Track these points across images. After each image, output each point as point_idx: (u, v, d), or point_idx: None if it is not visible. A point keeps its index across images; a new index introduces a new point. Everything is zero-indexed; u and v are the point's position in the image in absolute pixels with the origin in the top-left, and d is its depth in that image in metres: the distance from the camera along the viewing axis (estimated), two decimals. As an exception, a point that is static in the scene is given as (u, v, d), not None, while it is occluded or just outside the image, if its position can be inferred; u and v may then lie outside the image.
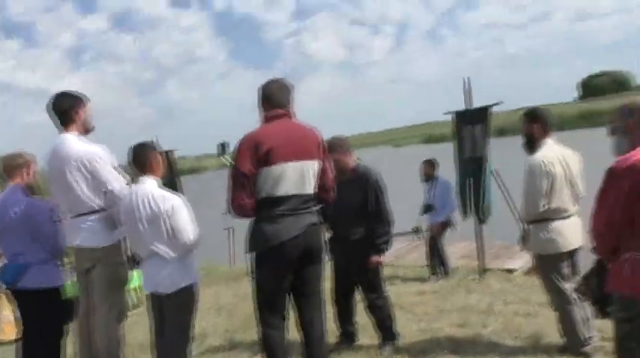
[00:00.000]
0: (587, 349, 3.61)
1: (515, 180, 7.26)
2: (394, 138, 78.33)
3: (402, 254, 8.69)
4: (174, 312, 3.04)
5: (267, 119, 3.13)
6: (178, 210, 3.01)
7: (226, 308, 5.95)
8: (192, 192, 10.75)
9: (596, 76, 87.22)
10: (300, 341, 3.32)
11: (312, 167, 3.09)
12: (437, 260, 6.78)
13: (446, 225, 6.86)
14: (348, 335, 4.17)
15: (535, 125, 3.72)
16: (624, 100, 2.59)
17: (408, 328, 4.54)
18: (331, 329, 3.98)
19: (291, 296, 3.23)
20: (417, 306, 5.35)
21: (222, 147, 7.94)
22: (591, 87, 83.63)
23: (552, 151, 3.64)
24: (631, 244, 2.34)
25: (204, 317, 5.10)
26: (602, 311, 4.45)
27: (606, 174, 2.38)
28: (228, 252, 9.26)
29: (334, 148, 3.72)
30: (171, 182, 7.17)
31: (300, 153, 3.03)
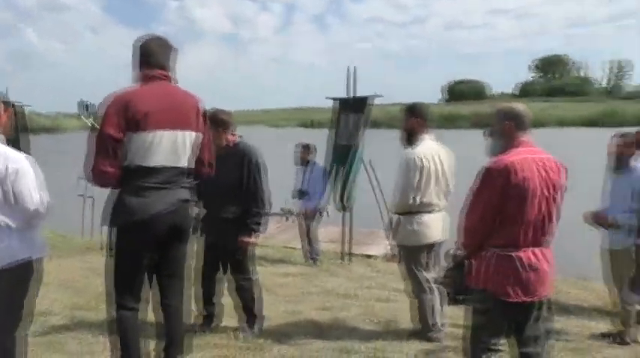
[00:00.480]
0: (438, 334, 3.87)
1: (385, 171, 7.69)
2: (273, 118, 78.31)
3: (270, 235, 8.67)
4: (5, 288, 2.58)
5: (144, 79, 2.78)
6: (24, 174, 2.49)
7: (73, 284, 5.42)
8: (46, 153, 9.65)
9: (459, 82, 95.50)
10: (157, 322, 3.09)
11: (190, 138, 2.81)
12: (311, 245, 6.85)
13: (320, 211, 6.92)
14: (209, 316, 4.01)
15: (414, 120, 3.85)
16: (498, 105, 2.76)
17: (273, 310, 4.51)
18: (193, 309, 3.80)
19: (153, 275, 2.97)
20: (282, 288, 5.36)
21: (85, 106, 7.18)
22: (454, 92, 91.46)
23: (428, 147, 3.80)
24: (495, 241, 2.51)
25: (48, 293, 4.57)
26: (455, 300, 4.85)
27: (482, 174, 2.51)
28: (81, 222, 8.47)
29: (216, 121, 3.49)
30: (16, 139, 6.31)
31: (178, 121, 2.75)
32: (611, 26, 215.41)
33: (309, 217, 6.88)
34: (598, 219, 4.03)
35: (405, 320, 4.23)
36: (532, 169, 2.46)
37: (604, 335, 4.06)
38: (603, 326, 4.28)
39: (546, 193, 2.49)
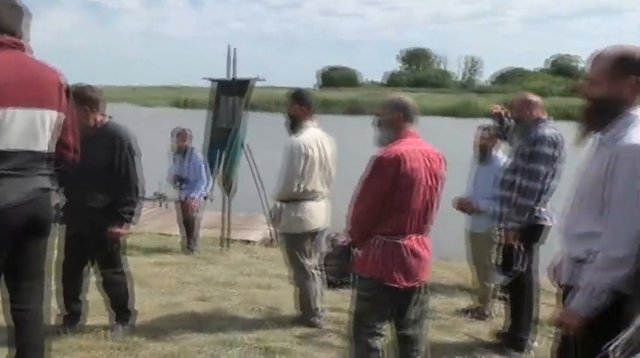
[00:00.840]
0: (317, 319, 3.91)
1: (262, 155, 7.60)
2: (141, 97, 73.81)
3: (142, 221, 8.13)
4: None
5: (-9, 46, 2.34)
6: None
7: None
8: None
9: (333, 69, 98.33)
10: (8, 325, 2.68)
11: (50, 118, 2.42)
12: (190, 235, 6.49)
13: (205, 197, 6.58)
14: (73, 315, 3.61)
15: (298, 107, 3.80)
16: (388, 96, 2.80)
17: (146, 304, 4.22)
18: (53, 308, 3.41)
19: (3, 276, 2.55)
20: (156, 279, 5.05)
21: None
22: (328, 78, 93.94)
23: (312, 134, 3.78)
24: (382, 229, 2.56)
25: None
26: (335, 284, 4.94)
27: (372, 163, 2.53)
28: None
29: (82, 98, 3.11)
30: None
31: (35, 98, 2.34)
32: (468, 24, 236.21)
33: (189, 206, 6.47)
34: (463, 205, 4.35)
35: (287, 306, 4.22)
36: (419, 160, 2.55)
37: (465, 311, 4.43)
38: (465, 302, 4.66)
39: (430, 183, 2.60)
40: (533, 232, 3.48)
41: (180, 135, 6.51)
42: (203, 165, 6.44)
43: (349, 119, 38.50)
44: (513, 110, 3.55)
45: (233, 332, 3.72)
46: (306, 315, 3.92)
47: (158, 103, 62.20)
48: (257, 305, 4.36)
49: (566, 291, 2.04)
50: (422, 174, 2.54)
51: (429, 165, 2.58)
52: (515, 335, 3.59)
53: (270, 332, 3.73)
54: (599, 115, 1.91)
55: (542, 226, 3.50)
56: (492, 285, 4.27)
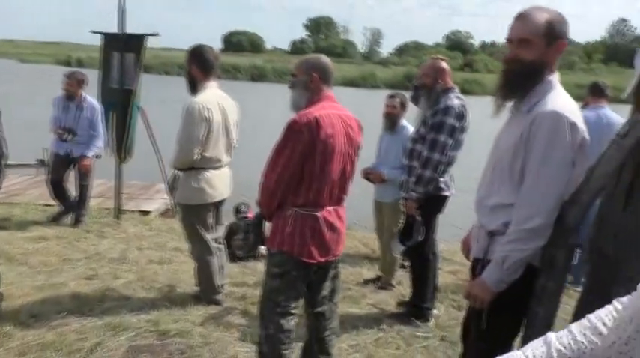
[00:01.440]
0: (219, 297, 3.68)
1: (161, 121, 7.03)
2: (21, 52, 66.66)
3: (19, 190, 7.27)
4: None
5: None
6: None
7: None
8: None
9: (237, 33, 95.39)
10: None
11: None
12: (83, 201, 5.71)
13: (96, 156, 5.70)
14: None
15: (196, 65, 3.43)
16: (304, 56, 2.57)
17: (20, 285, 3.72)
18: None
19: None
20: (35, 256, 4.48)
21: None
22: (232, 43, 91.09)
23: (213, 96, 3.44)
24: (297, 201, 2.35)
25: None
26: (238, 258, 4.70)
27: (286, 128, 2.29)
28: None
29: None
30: None
31: None
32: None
33: (82, 168, 5.59)
34: (370, 175, 4.28)
35: (186, 283, 3.93)
36: (337, 125, 2.36)
37: (371, 281, 4.42)
38: (370, 272, 4.66)
39: (348, 151, 2.43)
40: (434, 202, 3.48)
41: (72, 78, 5.54)
42: (100, 116, 5.61)
43: (253, 85, 37.73)
44: (424, 76, 3.46)
45: (123, 314, 3.37)
46: (207, 293, 3.66)
47: (41, 60, 56.68)
48: (152, 282, 4.01)
49: (478, 264, 1.99)
50: (340, 140, 2.36)
51: (347, 131, 2.41)
52: (418, 304, 3.61)
53: (167, 313, 3.44)
54: (525, 81, 1.82)
55: (442, 196, 3.50)
56: (398, 255, 4.28)
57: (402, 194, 3.63)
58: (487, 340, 1.95)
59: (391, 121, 4.22)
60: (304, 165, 2.29)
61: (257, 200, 2.46)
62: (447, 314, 3.76)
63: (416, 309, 3.61)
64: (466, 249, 2.29)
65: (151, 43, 5.83)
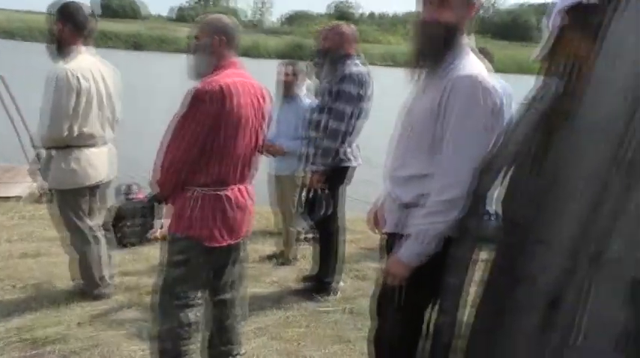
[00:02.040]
0: (105, 290, 3.29)
1: (24, 92, 6.18)
2: None
3: None
4: None
5: None
6: None
7: None
8: None
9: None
10: None
11: None
12: None
13: None
14: None
15: (64, 27, 2.93)
16: (206, 17, 2.26)
17: None
18: None
19: None
20: None
21: None
22: (108, 8, 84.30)
23: (86, 62, 2.97)
24: (201, 180, 2.08)
25: None
26: (126, 244, 4.27)
27: (190, 97, 2.00)
28: None
29: None
30: None
31: None
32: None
33: None
34: (266, 147, 4.06)
35: (64, 278, 3.47)
36: (247, 95, 2.11)
37: (271, 257, 4.26)
38: (269, 248, 4.49)
39: (257, 123, 2.20)
40: (338, 174, 3.37)
41: None
42: None
43: (132, 54, 35.24)
44: (325, 39, 3.28)
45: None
46: (89, 287, 3.25)
47: None
48: (21, 280, 3.48)
49: (392, 239, 1.89)
50: (249, 112, 2.12)
51: (256, 102, 2.17)
52: (323, 278, 3.52)
53: (43, 316, 2.99)
54: (444, 44, 1.70)
55: (347, 168, 3.39)
56: (297, 229, 4.15)
57: (302, 166, 3.47)
58: (403, 313, 1.87)
59: (286, 89, 4.01)
60: (210, 140, 2.03)
61: (154, 180, 2.15)
62: (352, 286, 3.72)
63: (321, 284, 3.52)
64: (373, 221, 2.18)
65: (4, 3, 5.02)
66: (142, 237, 4.14)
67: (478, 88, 1.62)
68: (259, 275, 3.86)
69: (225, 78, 2.05)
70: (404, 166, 1.82)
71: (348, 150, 3.34)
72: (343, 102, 3.15)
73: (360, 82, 3.19)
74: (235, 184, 2.18)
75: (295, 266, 4.10)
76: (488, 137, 1.68)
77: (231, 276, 2.34)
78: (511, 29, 73.05)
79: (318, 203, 3.35)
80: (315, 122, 3.32)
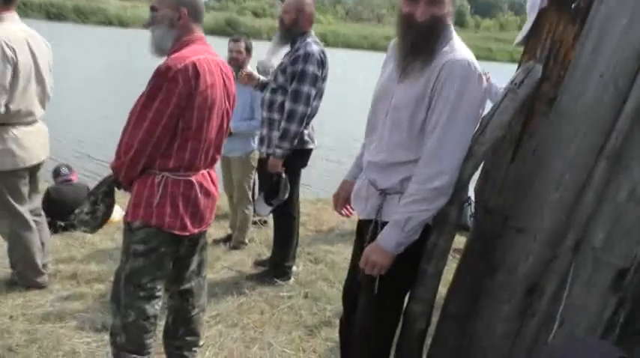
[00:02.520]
0: (42, 279, 3.05)
1: None
2: None
3: None
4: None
5: None
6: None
7: None
8: None
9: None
10: None
11: None
12: None
13: None
14: None
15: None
16: None
17: None
18: None
19: None
20: None
21: None
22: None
23: (18, 32, 2.67)
24: (167, 163, 1.92)
25: None
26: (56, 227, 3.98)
27: (156, 75, 1.83)
28: None
29: None
30: None
31: None
32: None
33: None
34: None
35: (-2, 268, 3.18)
36: (215, 74, 1.96)
37: (223, 241, 4.13)
38: (220, 232, 4.35)
39: (225, 104, 2.07)
40: (300, 156, 3.28)
41: None
42: None
43: (49, 25, 32.81)
44: (285, 13, 3.14)
45: None
46: (26, 276, 3.00)
47: None
48: (-52, 270, 3.16)
49: (367, 226, 1.85)
50: (219, 92, 1.98)
51: (224, 81, 2.03)
52: (280, 263, 3.45)
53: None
54: (438, 36, 1.65)
55: (307, 150, 3.31)
56: (250, 212, 4.04)
57: (263, 149, 3.36)
58: (380, 302, 1.85)
59: (237, 68, 3.84)
60: (179, 121, 1.87)
61: (111, 163, 1.97)
62: (306, 270, 3.69)
63: (277, 268, 3.44)
64: (340, 204, 2.14)
65: None
66: (97, 227, 3.88)
67: (473, 73, 1.59)
68: (212, 260, 3.71)
69: (195, 54, 1.89)
70: (385, 152, 1.77)
71: (306, 131, 3.26)
72: (305, 83, 3.03)
73: (320, 61, 3.09)
74: (204, 169, 2.05)
75: (248, 249, 4.00)
76: (476, 126, 1.66)
77: (194, 265, 2.22)
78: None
79: (280, 187, 3.24)
80: (275, 103, 3.20)
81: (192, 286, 2.23)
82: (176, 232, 1.98)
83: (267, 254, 3.89)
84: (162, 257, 2.00)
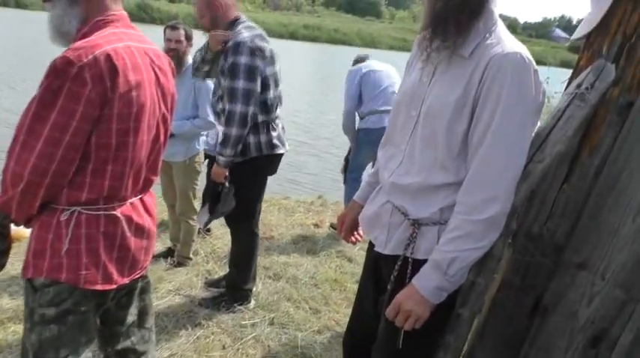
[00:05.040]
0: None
1: None
2: None
3: None
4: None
5: None
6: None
7: None
8: None
9: None
10: None
11: None
12: None
13: None
14: None
15: None
16: None
17: None
18: None
19: None
20: None
21: None
22: None
23: None
24: (79, 195, 1.40)
25: None
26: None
27: (50, 74, 1.29)
28: None
29: None
30: None
31: None
32: None
33: None
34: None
35: None
36: (144, 68, 1.45)
37: (162, 256, 3.59)
38: (160, 245, 3.80)
39: (161, 108, 1.57)
40: (267, 163, 2.82)
41: None
42: None
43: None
44: (200, 17, 2.72)
45: None
46: None
47: None
48: None
49: (389, 262, 1.48)
50: (150, 92, 1.47)
51: (157, 77, 1.52)
52: (238, 286, 2.98)
53: None
54: (472, 10, 1.28)
55: (276, 155, 2.84)
56: (195, 223, 3.53)
57: (198, 150, 2.88)
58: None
59: (177, 60, 3.30)
60: (91, 137, 1.36)
61: (4, 197, 1.37)
62: (265, 288, 3.25)
63: (235, 291, 2.98)
64: (346, 229, 1.75)
65: None
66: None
67: (529, 69, 1.25)
68: (155, 281, 3.18)
69: (110, 41, 1.36)
70: (416, 173, 1.40)
71: (275, 134, 2.81)
72: (239, 78, 2.56)
73: (254, 48, 2.59)
74: (132, 197, 1.54)
75: (195, 267, 3.49)
76: (531, 136, 1.33)
77: (132, 316, 1.70)
78: (356, 3, 76.42)
79: (222, 199, 2.79)
80: (220, 111, 2.74)
81: (134, 343, 1.71)
82: (103, 286, 1.47)
83: (217, 270, 3.43)
84: (84, 318, 1.49)
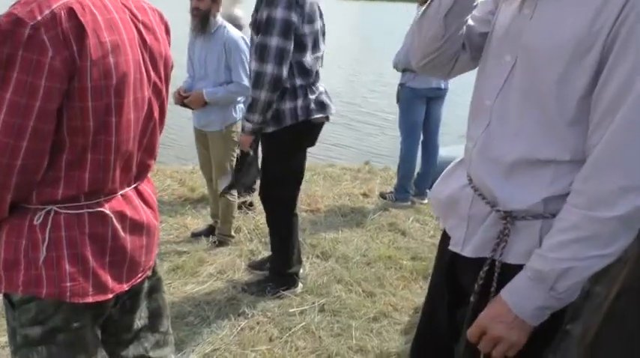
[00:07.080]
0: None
1: None
2: None
3: None
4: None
5: None
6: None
7: None
8: None
9: None
10: None
11: None
12: None
13: None
14: None
15: None
16: None
17: None
18: None
19: None
20: None
21: None
22: None
23: None
24: (53, 193, 1.10)
25: None
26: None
27: (3, 37, 0.97)
28: None
29: None
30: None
31: None
32: None
33: None
34: (186, 99, 3.07)
35: None
36: (122, 24, 1.11)
37: (202, 234, 3.36)
38: (194, 221, 3.59)
39: (150, 76, 1.22)
40: (303, 131, 2.49)
41: None
42: None
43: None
44: None
45: None
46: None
47: None
48: None
49: (470, 265, 1.13)
50: (131, 56, 1.13)
51: (143, 36, 1.18)
52: (283, 270, 2.70)
53: None
54: None
55: (314, 122, 2.50)
56: (235, 198, 3.27)
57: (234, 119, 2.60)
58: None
59: (202, 20, 2.97)
60: (62, 120, 1.04)
61: None
62: (314, 269, 2.98)
63: (280, 277, 2.70)
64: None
65: None
66: None
67: None
68: (195, 264, 2.97)
69: None
70: (512, 141, 1.03)
71: (317, 96, 2.48)
72: (272, 35, 2.24)
73: (294, 0, 2.26)
74: (122, 188, 1.23)
75: (236, 246, 3.25)
76: None
77: (142, 320, 1.41)
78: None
79: (244, 169, 2.53)
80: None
81: (147, 349, 1.42)
82: (89, 300, 1.18)
83: (260, 250, 3.17)
84: (79, 334, 1.20)
